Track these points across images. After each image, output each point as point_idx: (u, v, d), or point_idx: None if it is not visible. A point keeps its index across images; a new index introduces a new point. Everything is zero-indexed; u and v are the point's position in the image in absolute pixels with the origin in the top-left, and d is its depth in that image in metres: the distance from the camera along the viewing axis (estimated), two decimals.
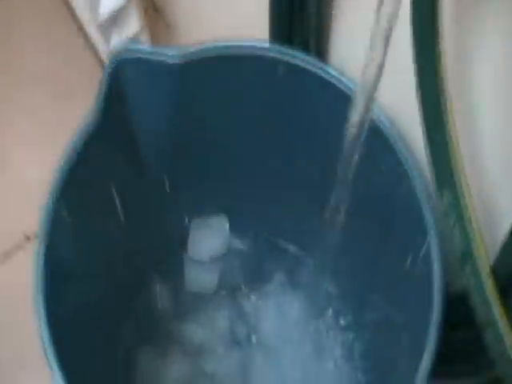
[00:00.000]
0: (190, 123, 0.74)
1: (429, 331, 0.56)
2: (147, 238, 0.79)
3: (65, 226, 0.61)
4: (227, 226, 0.86)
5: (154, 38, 0.99)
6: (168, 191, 0.79)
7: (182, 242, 0.85)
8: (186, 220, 0.86)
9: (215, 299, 0.85)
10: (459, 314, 0.66)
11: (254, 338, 0.81)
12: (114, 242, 0.74)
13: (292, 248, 0.88)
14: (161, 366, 0.79)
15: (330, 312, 0.83)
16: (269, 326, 0.82)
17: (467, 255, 0.56)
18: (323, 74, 0.65)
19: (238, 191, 0.83)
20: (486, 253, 0.56)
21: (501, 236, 0.59)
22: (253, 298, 0.84)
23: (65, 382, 0.53)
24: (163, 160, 0.75)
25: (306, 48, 0.69)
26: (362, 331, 0.80)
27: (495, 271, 0.57)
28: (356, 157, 0.60)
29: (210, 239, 0.86)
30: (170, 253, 0.85)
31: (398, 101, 0.64)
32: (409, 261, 0.64)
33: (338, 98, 0.63)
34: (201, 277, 0.85)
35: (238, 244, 0.86)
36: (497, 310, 0.54)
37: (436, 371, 0.72)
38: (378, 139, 0.63)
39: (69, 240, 0.63)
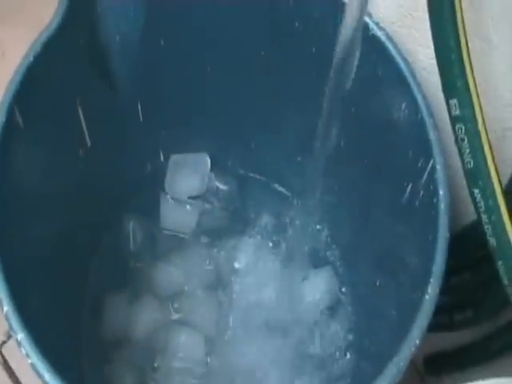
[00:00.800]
0: (166, 45, 0.68)
1: (432, 271, 0.49)
2: (117, 170, 0.72)
3: (19, 135, 0.54)
4: (208, 163, 0.78)
5: None
6: (141, 121, 0.71)
7: (158, 178, 0.77)
8: (162, 156, 0.78)
9: (193, 242, 0.77)
10: (459, 257, 0.61)
11: (233, 284, 0.74)
12: (78, 169, 0.66)
13: (278, 188, 0.81)
14: (131, 312, 0.72)
15: (319, 254, 0.77)
16: (250, 271, 0.76)
17: (477, 175, 0.49)
18: None
19: (219, 127, 0.77)
20: (498, 172, 0.49)
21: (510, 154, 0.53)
22: (233, 241, 0.78)
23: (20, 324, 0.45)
24: (136, 84, 0.68)
25: None
26: (355, 275, 0.73)
27: (508, 194, 0.50)
28: (351, 70, 0.52)
29: (189, 177, 0.79)
30: (144, 189, 0.78)
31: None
32: (408, 190, 0.57)
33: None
34: (178, 217, 0.78)
35: (220, 184, 0.78)
36: (510, 235, 0.47)
37: (434, 320, 0.66)
38: (377, 52, 0.58)
39: (23, 154, 0.56)
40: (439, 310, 0.67)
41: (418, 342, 0.47)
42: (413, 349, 0.47)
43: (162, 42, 0.68)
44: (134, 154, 0.74)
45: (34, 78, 0.55)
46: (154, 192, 0.79)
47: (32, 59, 0.56)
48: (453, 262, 0.62)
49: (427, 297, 0.48)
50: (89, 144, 0.68)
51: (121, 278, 0.75)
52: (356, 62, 0.50)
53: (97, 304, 0.74)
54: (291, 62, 0.66)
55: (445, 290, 0.64)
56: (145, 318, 0.73)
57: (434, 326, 0.67)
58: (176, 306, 0.74)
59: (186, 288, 0.75)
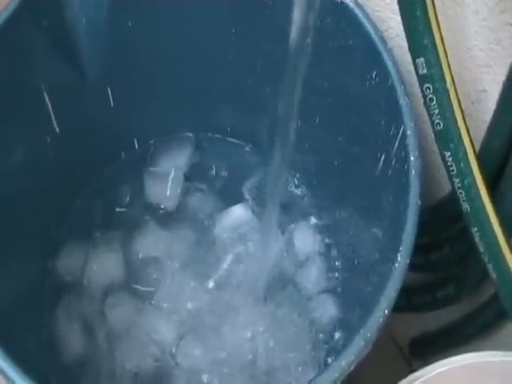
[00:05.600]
0: (135, 26, 0.66)
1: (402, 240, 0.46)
2: (89, 157, 0.70)
3: None
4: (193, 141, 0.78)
5: None
6: (112, 105, 0.69)
7: (135, 163, 0.77)
8: (136, 144, 0.76)
9: (175, 214, 0.76)
10: (438, 231, 0.58)
11: (214, 254, 0.73)
12: (47, 156, 0.64)
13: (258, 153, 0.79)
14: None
15: (299, 213, 0.75)
16: (236, 239, 0.74)
17: (447, 137, 0.46)
18: None
19: (193, 107, 0.75)
20: (469, 133, 0.46)
21: (485, 117, 0.50)
22: (213, 209, 0.76)
23: None
24: (105, 68, 0.67)
25: None
26: (334, 232, 0.72)
27: (481, 157, 0.47)
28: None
29: (174, 154, 0.78)
30: (120, 177, 0.76)
31: None
32: (382, 160, 0.54)
33: None
34: (161, 190, 0.76)
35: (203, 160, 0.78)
36: (484, 199, 0.45)
37: (417, 300, 0.64)
38: (345, 20, 0.57)
39: None
40: (421, 289, 0.65)
41: (386, 312, 0.44)
42: (381, 319, 0.44)
43: (130, 24, 0.66)
44: (106, 140, 0.72)
45: None
46: (131, 179, 0.76)
47: None
48: (432, 237, 0.60)
49: (396, 265, 0.45)
50: (57, 130, 0.66)
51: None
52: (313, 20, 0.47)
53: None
54: (259, 35, 0.64)
55: (425, 267, 0.62)
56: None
57: (417, 307, 0.65)
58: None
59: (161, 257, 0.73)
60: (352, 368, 0.43)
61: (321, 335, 0.69)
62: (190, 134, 0.79)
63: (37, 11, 0.57)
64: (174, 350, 0.68)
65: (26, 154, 0.61)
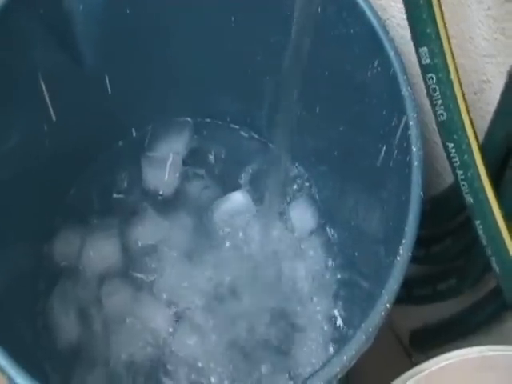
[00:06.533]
0: (132, 13, 0.65)
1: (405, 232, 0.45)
2: (87, 145, 0.69)
3: None
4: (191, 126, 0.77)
5: None
6: (110, 93, 0.68)
7: (134, 149, 0.76)
8: (134, 129, 0.75)
9: (174, 201, 0.75)
10: (440, 223, 0.58)
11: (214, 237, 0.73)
12: (43, 145, 0.63)
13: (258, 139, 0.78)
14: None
15: (299, 201, 0.75)
16: (236, 226, 0.73)
17: (451, 128, 0.45)
18: None
19: (190, 94, 0.74)
20: (473, 124, 0.45)
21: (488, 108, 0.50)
22: (212, 196, 0.75)
23: None
24: (102, 55, 0.66)
25: None
26: (335, 222, 0.72)
27: (484, 149, 0.46)
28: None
29: (172, 140, 0.77)
30: (118, 164, 0.75)
31: None
32: (383, 151, 0.53)
33: None
34: (160, 175, 0.75)
35: (201, 146, 0.77)
36: (487, 192, 0.44)
37: (418, 292, 0.63)
38: (347, 9, 0.56)
39: None
40: (422, 281, 0.64)
41: (388, 305, 0.43)
42: (383, 313, 0.43)
43: (128, 11, 0.65)
44: (104, 126, 0.72)
45: None
46: (129, 164, 0.75)
47: None
48: (434, 229, 0.59)
49: (398, 258, 0.44)
50: (54, 118, 0.65)
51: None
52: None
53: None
54: (259, 24, 0.63)
55: (427, 259, 0.61)
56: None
57: (418, 299, 0.65)
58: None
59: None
60: (353, 362, 0.43)
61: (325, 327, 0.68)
62: (189, 119, 0.78)
63: None
64: (169, 340, 0.68)
65: (23, 141, 0.61)
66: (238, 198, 0.74)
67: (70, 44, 0.63)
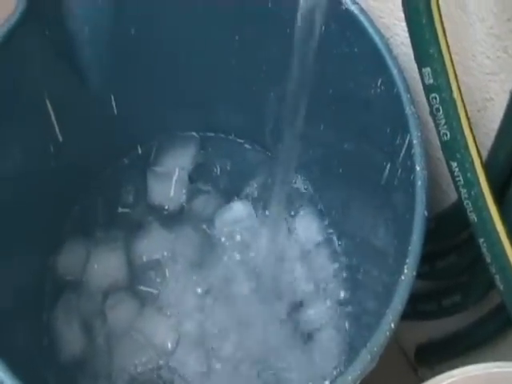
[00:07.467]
0: (137, 34, 0.66)
1: (409, 251, 0.45)
2: (92, 165, 0.69)
3: None
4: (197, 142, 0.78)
5: None
6: (116, 113, 0.69)
7: (138, 168, 0.76)
8: (139, 149, 0.75)
9: (179, 216, 0.75)
10: (444, 239, 0.58)
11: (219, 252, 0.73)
12: (49, 166, 0.64)
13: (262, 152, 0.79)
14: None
15: (304, 215, 0.75)
16: (240, 238, 0.74)
17: (454, 147, 0.46)
18: None
19: (196, 115, 0.76)
20: (476, 143, 0.45)
21: (492, 125, 0.50)
22: (218, 208, 0.76)
23: None
24: (108, 76, 0.67)
25: None
26: (338, 240, 0.73)
27: (488, 167, 0.46)
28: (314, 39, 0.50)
29: (177, 155, 0.77)
30: (124, 183, 0.76)
31: None
32: (387, 169, 0.54)
33: None
34: (165, 190, 0.76)
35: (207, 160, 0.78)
36: (491, 210, 0.44)
37: (422, 308, 0.63)
38: (351, 28, 0.57)
39: None
40: (427, 297, 0.64)
41: (393, 325, 0.43)
42: (388, 333, 0.43)
43: (133, 32, 0.66)
44: (109, 144, 0.72)
45: None
46: (135, 179, 0.76)
47: None
48: (438, 245, 0.59)
49: (403, 277, 0.44)
50: (60, 139, 0.66)
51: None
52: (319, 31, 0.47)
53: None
54: (264, 42, 0.63)
55: (432, 275, 0.61)
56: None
57: (422, 314, 0.65)
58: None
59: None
60: (358, 383, 0.43)
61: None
62: (194, 134, 0.78)
63: (39, 20, 0.57)
64: (171, 356, 0.68)
65: (30, 160, 0.62)
66: (240, 207, 0.74)
67: (75, 65, 0.64)
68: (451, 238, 0.59)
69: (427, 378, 0.47)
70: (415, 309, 0.64)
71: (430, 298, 0.62)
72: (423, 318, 0.65)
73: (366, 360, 0.43)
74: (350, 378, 0.42)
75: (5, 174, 0.57)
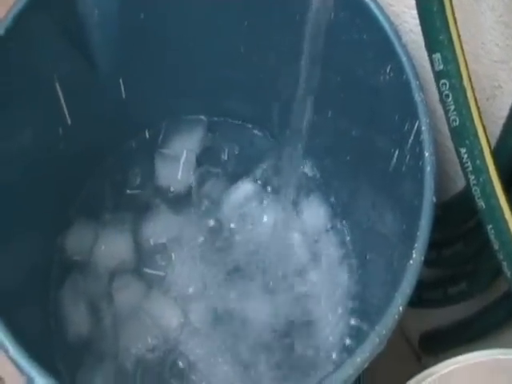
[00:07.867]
0: (147, 18, 0.66)
1: (417, 236, 0.46)
2: (100, 147, 0.70)
3: None
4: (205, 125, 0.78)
5: None
6: (124, 97, 0.69)
7: (146, 152, 0.76)
8: (148, 127, 0.76)
9: (187, 198, 0.75)
10: (451, 227, 0.58)
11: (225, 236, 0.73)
12: (58, 148, 0.64)
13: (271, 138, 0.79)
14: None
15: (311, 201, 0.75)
16: (249, 223, 0.74)
17: (463, 133, 0.46)
18: None
19: (204, 99, 0.76)
20: (485, 130, 0.46)
21: (500, 113, 0.50)
22: (226, 192, 0.75)
23: None
24: (117, 59, 0.67)
25: None
26: (347, 226, 0.73)
27: (497, 155, 0.47)
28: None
29: (183, 139, 0.77)
30: (132, 165, 0.76)
31: None
32: (395, 156, 0.54)
33: None
34: (171, 171, 0.75)
35: (214, 144, 0.78)
36: (500, 197, 0.44)
37: (428, 296, 0.64)
38: (360, 15, 0.56)
39: None
40: (433, 285, 0.65)
41: (401, 308, 0.44)
42: (396, 316, 0.44)
43: (142, 15, 0.66)
44: (118, 127, 0.72)
45: (6, 52, 0.53)
46: (143, 161, 0.76)
47: (3, 33, 0.53)
48: (445, 233, 0.59)
49: (411, 262, 0.45)
50: (69, 122, 0.66)
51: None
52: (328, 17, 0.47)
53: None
54: (273, 28, 0.63)
55: (438, 263, 0.61)
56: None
57: (428, 302, 0.65)
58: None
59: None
60: (366, 365, 0.43)
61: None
62: (203, 117, 0.79)
63: (48, 3, 0.57)
64: (178, 337, 0.68)
65: (38, 141, 0.61)
66: (248, 188, 0.74)
67: (85, 48, 0.64)
68: (458, 227, 0.59)
69: (431, 366, 0.47)
70: (421, 297, 0.65)
71: (436, 286, 0.63)
72: (429, 306, 0.65)
73: (374, 342, 0.43)
74: (358, 359, 0.42)
75: (14, 156, 0.57)
